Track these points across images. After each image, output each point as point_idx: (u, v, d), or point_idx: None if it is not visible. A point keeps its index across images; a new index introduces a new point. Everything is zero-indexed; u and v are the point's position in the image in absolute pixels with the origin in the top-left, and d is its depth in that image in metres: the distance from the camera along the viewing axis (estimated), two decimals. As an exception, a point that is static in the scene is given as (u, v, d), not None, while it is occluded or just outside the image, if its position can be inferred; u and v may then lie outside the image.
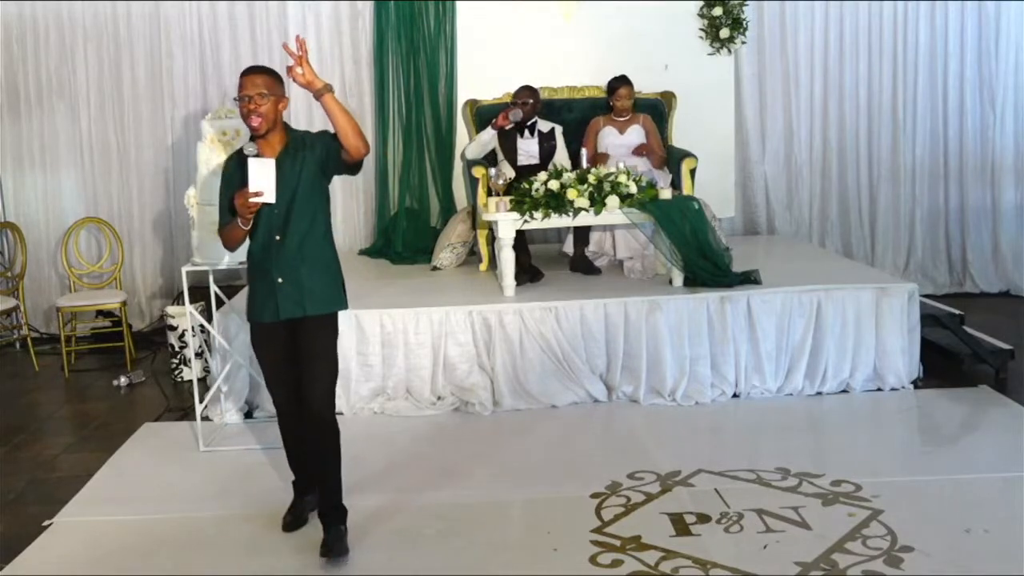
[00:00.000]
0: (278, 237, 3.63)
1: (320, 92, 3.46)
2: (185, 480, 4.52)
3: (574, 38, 7.05)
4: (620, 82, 6.36)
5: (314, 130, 3.83)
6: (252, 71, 3.64)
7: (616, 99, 6.35)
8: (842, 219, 7.54)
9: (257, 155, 3.55)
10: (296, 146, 3.65)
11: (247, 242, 3.74)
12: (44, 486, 4.56)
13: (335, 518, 3.72)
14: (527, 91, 6.21)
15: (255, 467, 4.61)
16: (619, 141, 6.31)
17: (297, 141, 3.67)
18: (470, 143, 6.37)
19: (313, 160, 3.63)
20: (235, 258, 4.72)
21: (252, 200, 3.51)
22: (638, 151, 6.23)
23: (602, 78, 6.61)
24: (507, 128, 6.08)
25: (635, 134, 6.35)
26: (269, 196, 3.52)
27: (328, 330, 3.73)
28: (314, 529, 3.94)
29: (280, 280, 3.64)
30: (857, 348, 5.37)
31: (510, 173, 5.83)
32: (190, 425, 5.12)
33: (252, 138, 3.66)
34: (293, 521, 3.95)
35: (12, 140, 7.19)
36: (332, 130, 3.58)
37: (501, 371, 5.25)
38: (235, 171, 3.68)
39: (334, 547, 3.66)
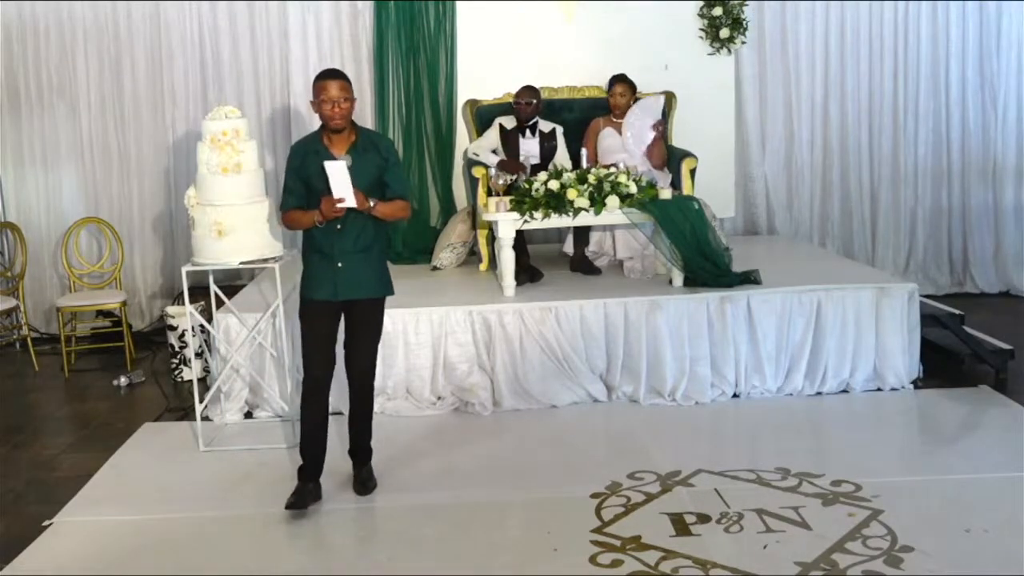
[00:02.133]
0: (339, 226, 3.99)
1: (369, 211, 3.96)
2: (185, 480, 4.51)
3: (574, 38, 7.04)
4: (616, 80, 6.37)
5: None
6: (332, 76, 3.96)
7: (611, 96, 6.35)
8: (843, 219, 7.52)
9: (336, 159, 3.90)
10: (365, 144, 4.05)
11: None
12: (44, 486, 4.56)
13: (365, 457, 4.32)
14: (528, 91, 6.20)
15: (255, 467, 4.61)
16: (619, 142, 6.30)
17: (366, 139, 4.10)
18: (479, 141, 6.37)
19: (378, 164, 4.07)
20: (236, 258, 4.73)
21: (338, 206, 3.86)
22: (648, 152, 6.20)
23: (602, 78, 6.61)
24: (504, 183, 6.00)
25: (635, 134, 6.34)
26: (350, 201, 3.86)
27: (379, 311, 4.20)
28: (316, 529, 3.95)
29: (340, 264, 4.02)
30: (857, 348, 5.37)
31: (512, 176, 5.80)
32: (190, 425, 5.11)
33: (322, 129, 4.04)
34: (296, 503, 4.03)
35: (12, 140, 7.19)
36: (389, 138, 4.32)
37: (501, 371, 5.25)
38: (302, 164, 4.05)
39: (367, 483, 4.25)
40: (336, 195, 3.85)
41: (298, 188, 4.05)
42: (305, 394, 4.12)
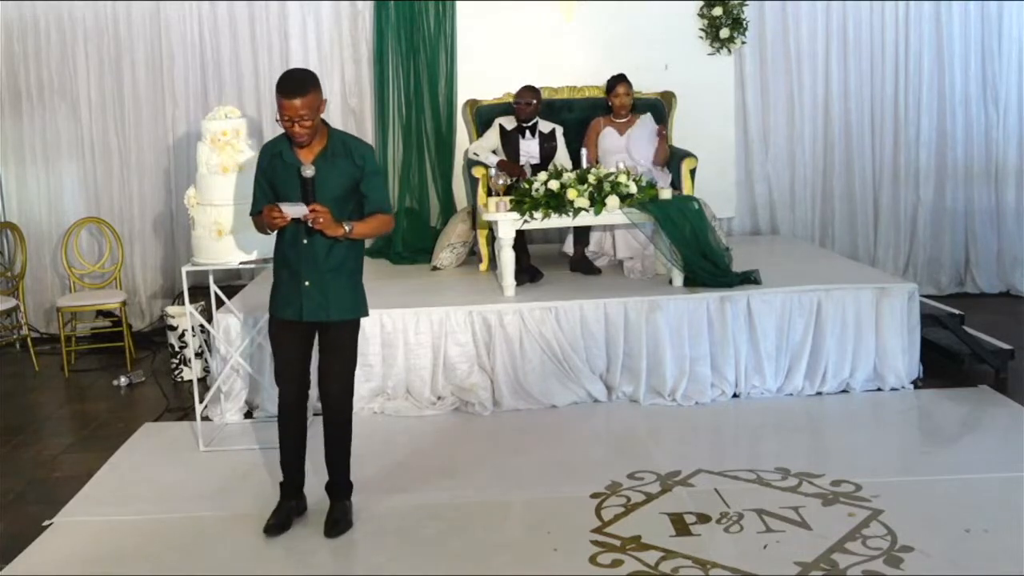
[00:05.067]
0: (305, 241, 3.72)
1: (344, 236, 3.68)
2: (185, 480, 4.51)
3: (574, 38, 7.05)
4: (617, 80, 6.36)
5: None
6: (291, 93, 3.58)
7: (614, 97, 6.35)
8: (844, 219, 7.51)
9: (307, 176, 3.63)
10: (335, 151, 3.74)
11: (274, 235, 3.86)
12: (44, 486, 4.56)
13: (341, 493, 3.99)
14: (529, 91, 6.20)
15: (255, 467, 4.60)
16: (619, 142, 6.30)
17: (336, 146, 3.76)
18: (479, 142, 6.37)
19: (350, 174, 3.74)
20: (236, 258, 4.73)
21: (277, 219, 3.63)
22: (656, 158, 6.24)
23: (602, 78, 6.60)
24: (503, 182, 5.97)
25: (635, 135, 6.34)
26: (293, 215, 3.63)
27: (351, 332, 3.87)
28: (316, 529, 3.94)
29: (307, 283, 3.74)
30: (857, 348, 5.37)
31: (512, 178, 5.79)
32: (190, 425, 5.12)
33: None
34: (277, 524, 3.89)
35: (13, 140, 7.19)
36: (369, 145, 3.89)
37: (501, 371, 5.25)
38: (269, 166, 3.81)
39: (338, 523, 3.90)
40: (288, 211, 3.60)
41: (266, 191, 3.81)
42: (280, 414, 3.95)
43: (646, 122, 6.38)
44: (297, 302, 3.76)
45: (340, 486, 3.99)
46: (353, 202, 3.77)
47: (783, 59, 7.35)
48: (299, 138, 3.64)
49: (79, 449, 5.02)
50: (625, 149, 6.22)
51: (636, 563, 3.56)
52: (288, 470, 4.00)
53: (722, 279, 5.41)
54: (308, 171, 3.63)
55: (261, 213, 3.77)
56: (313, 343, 3.91)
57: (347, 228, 3.66)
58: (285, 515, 3.94)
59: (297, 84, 3.62)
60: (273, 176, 3.76)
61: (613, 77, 6.40)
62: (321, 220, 3.59)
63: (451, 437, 4.94)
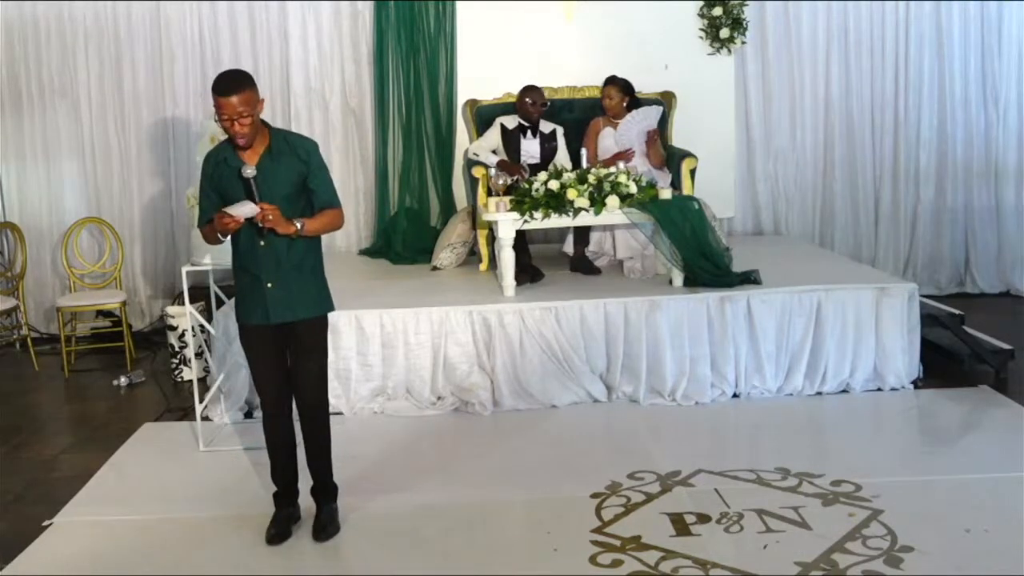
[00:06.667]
0: (262, 243, 3.68)
1: (296, 234, 3.62)
2: (185, 480, 4.52)
3: (574, 38, 7.05)
4: (606, 82, 6.35)
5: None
6: (226, 91, 3.50)
7: (603, 98, 6.35)
8: (845, 219, 7.51)
9: (248, 177, 3.56)
10: (279, 149, 3.68)
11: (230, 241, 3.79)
12: (44, 486, 4.56)
13: (326, 496, 3.96)
14: (540, 92, 6.21)
15: (255, 467, 4.59)
16: (617, 143, 6.30)
17: (279, 144, 3.69)
18: (479, 141, 6.37)
19: (296, 170, 3.69)
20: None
21: (230, 224, 3.55)
22: (617, 157, 6.10)
23: (602, 78, 6.58)
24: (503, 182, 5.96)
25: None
26: (242, 214, 3.56)
27: (320, 329, 3.85)
28: (309, 532, 3.94)
29: (270, 285, 3.71)
30: (857, 348, 5.37)
31: (512, 177, 5.79)
32: (190, 425, 5.12)
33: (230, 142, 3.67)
34: (278, 534, 3.87)
35: (14, 140, 7.19)
36: (312, 140, 3.81)
37: (501, 371, 5.25)
38: (214, 174, 3.72)
39: (327, 527, 3.89)
40: (237, 213, 3.53)
41: (214, 200, 3.70)
42: (265, 424, 3.91)
43: (646, 114, 6.31)
44: (263, 305, 3.72)
45: (327, 489, 3.96)
46: (304, 200, 3.71)
47: (784, 59, 7.36)
48: (240, 138, 3.56)
49: (79, 449, 5.02)
50: (615, 142, 6.21)
51: (636, 563, 3.56)
52: (281, 480, 3.96)
53: (722, 279, 5.41)
54: (249, 171, 3.57)
55: (210, 222, 3.71)
56: (285, 345, 3.84)
57: (298, 225, 3.60)
58: (284, 524, 3.91)
59: (232, 82, 3.53)
60: (221, 182, 3.68)
61: (606, 78, 6.39)
62: (271, 217, 3.53)
63: (451, 437, 4.94)
